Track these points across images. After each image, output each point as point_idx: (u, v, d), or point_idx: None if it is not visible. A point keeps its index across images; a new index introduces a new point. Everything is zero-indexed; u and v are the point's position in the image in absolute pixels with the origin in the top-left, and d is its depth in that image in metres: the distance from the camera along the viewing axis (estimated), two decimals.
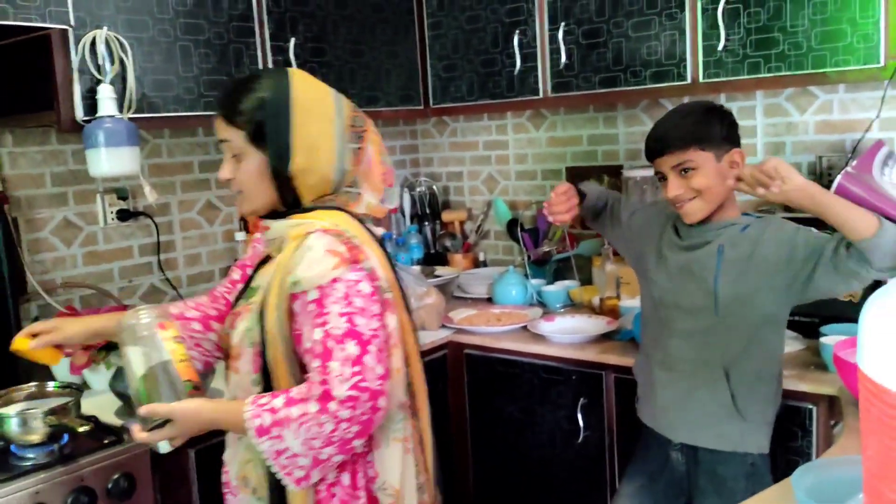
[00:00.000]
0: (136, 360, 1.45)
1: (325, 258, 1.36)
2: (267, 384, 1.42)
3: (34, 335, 1.62)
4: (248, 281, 1.54)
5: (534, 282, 2.90)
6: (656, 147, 1.77)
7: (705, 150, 1.72)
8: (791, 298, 1.75)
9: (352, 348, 1.33)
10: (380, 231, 1.51)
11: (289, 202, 1.46)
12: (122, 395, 1.98)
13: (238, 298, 1.55)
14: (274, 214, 1.48)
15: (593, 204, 2.06)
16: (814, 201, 1.58)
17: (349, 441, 1.34)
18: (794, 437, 1.96)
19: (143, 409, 1.40)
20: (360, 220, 1.51)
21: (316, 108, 1.44)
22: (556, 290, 2.81)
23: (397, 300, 1.48)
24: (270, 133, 1.41)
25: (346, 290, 1.35)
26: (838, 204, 1.58)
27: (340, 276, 1.36)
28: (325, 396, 1.31)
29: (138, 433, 1.42)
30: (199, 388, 1.47)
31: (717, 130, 1.73)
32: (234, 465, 1.53)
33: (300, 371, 1.40)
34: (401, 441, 1.47)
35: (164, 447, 1.50)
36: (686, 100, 2.69)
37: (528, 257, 2.98)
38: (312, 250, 1.37)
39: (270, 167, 1.42)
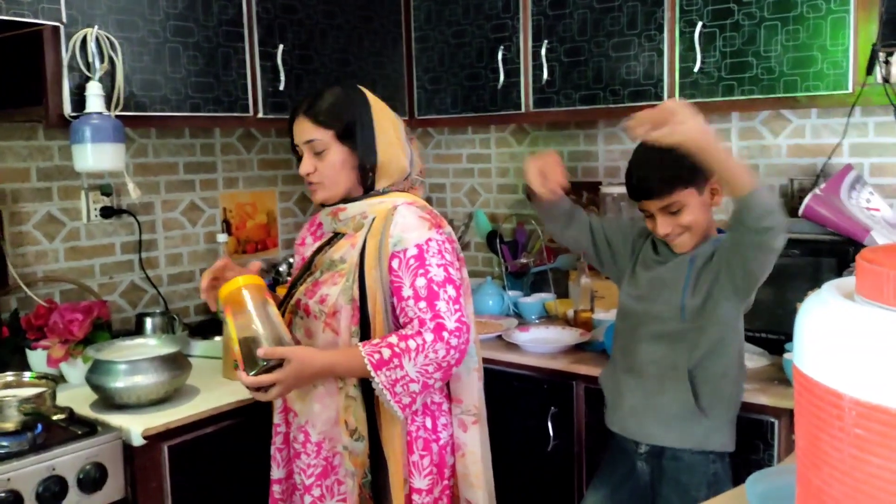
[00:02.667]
0: (246, 322, 1.61)
1: (419, 222, 1.70)
2: (364, 333, 1.70)
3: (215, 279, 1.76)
4: (310, 259, 1.82)
5: (511, 293, 2.94)
6: (640, 192, 1.81)
7: (689, 187, 1.76)
8: (739, 296, 1.78)
9: (451, 291, 1.67)
10: None
11: (366, 188, 1.77)
12: (99, 388, 2.00)
13: (302, 275, 1.82)
14: (345, 200, 1.77)
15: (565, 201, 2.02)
16: (702, 149, 1.56)
17: (451, 367, 1.66)
18: (755, 449, 2.01)
19: (261, 351, 1.57)
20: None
21: (385, 113, 1.80)
22: (533, 301, 2.86)
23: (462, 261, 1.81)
24: (359, 131, 1.73)
25: (438, 246, 1.70)
26: (729, 160, 1.59)
27: (432, 237, 1.70)
28: (439, 328, 1.63)
29: (246, 377, 1.58)
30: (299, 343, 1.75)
31: (697, 165, 1.67)
32: (323, 418, 1.73)
33: (394, 318, 1.71)
34: (476, 370, 1.82)
35: (265, 396, 1.62)
36: None
37: (507, 269, 3.03)
38: (406, 218, 1.70)
39: (357, 159, 1.74)
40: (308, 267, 1.83)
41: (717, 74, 2.28)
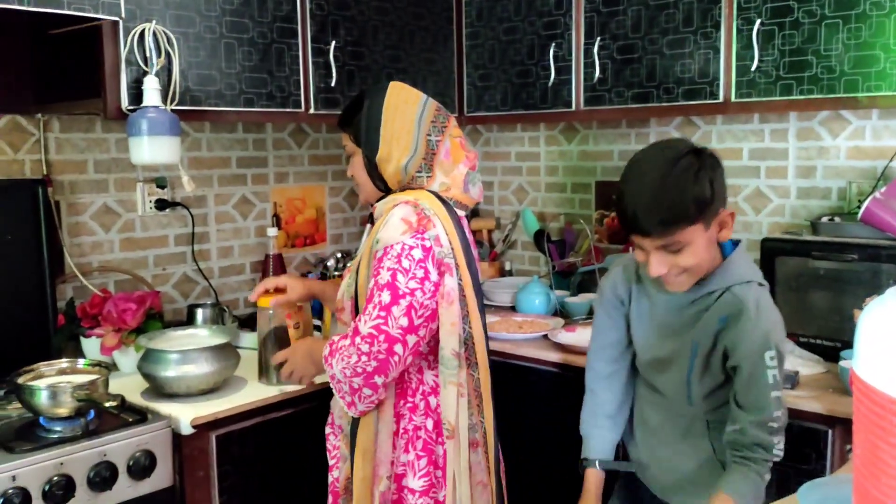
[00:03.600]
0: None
1: (397, 224, 1.66)
2: None
3: (267, 291, 1.96)
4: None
5: (557, 293, 2.92)
6: (637, 226, 1.50)
7: (695, 223, 1.48)
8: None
9: (385, 297, 1.62)
10: (462, 212, 1.81)
11: (381, 188, 1.79)
12: (150, 377, 2.04)
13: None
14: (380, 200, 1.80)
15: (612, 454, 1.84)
16: None
17: (371, 375, 1.61)
18: (807, 459, 1.96)
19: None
20: (444, 200, 1.75)
21: (403, 108, 1.75)
22: (579, 301, 2.83)
23: (461, 266, 1.71)
24: (363, 132, 1.75)
25: (399, 251, 1.64)
26: None
27: (402, 241, 1.65)
28: (354, 332, 1.62)
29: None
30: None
31: (707, 195, 1.48)
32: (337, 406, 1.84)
33: None
34: (455, 385, 1.71)
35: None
36: (719, 120, 2.72)
37: (554, 268, 3.01)
38: (392, 218, 1.68)
39: (364, 160, 1.76)
40: None
41: (775, 73, 2.23)
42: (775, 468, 1.95)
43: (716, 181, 1.50)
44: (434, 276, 1.66)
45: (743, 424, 1.55)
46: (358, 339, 1.60)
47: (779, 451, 1.57)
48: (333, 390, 1.69)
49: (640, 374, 1.78)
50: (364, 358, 1.60)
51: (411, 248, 1.64)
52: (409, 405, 1.74)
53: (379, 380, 1.62)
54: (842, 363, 2.04)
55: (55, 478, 1.71)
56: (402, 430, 1.73)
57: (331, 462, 1.86)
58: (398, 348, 1.61)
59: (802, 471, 1.95)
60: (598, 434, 1.82)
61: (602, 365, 1.82)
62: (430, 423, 1.73)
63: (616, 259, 1.93)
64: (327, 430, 1.87)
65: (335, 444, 1.85)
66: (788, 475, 1.89)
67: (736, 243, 1.65)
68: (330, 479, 1.86)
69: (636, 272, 1.73)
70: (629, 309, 1.75)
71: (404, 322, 1.62)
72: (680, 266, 1.53)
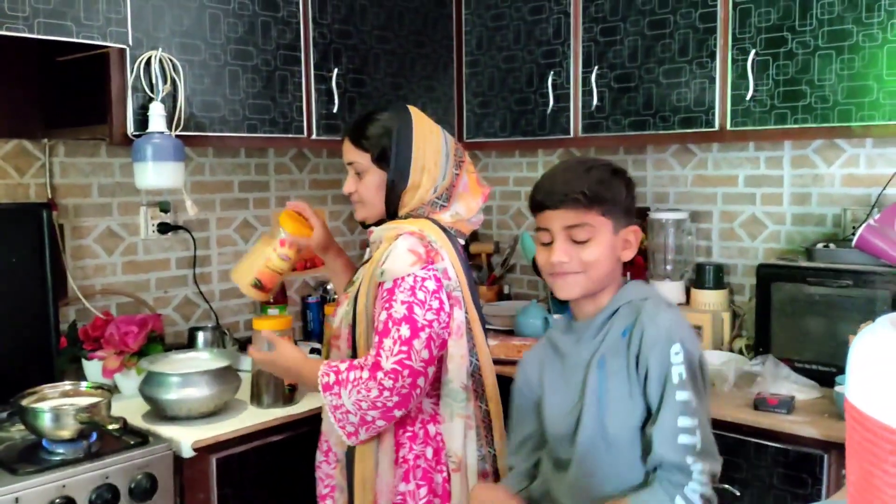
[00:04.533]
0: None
1: (405, 255, 1.66)
2: (354, 358, 1.73)
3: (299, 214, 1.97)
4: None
5: (555, 316, 2.94)
6: (551, 196, 1.44)
7: (606, 216, 1.43)
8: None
9: (405, 331, 1.61)
10: (461, 241, 1.84)
11: (390, 213, 1.79)
12: (151, 399, 2.06)
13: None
14: (379, 222, 1.81)
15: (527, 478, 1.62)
16: None
17: (390, 409, 1.61)
18: (803, 484, 1.98)
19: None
20: (444, 228, 1.78)
21: (430, 138, 1.79)
22: None
23: (467, 299, 1.75)
24: (394, 157, 1.75)
25: (412, 283, 1.65)
26: None
27: (413, 272, 1.65)
28: (375, 366, 1.60)
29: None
30: (262, 290, 1.94)
31: (623, 197, 1.47)
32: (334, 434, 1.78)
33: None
34: (463, 417, 1.72)
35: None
36: (715, 147, 2.76)
37: (551, 292, 3.02)
38: (397, 248, 1.68)
39: (388, 183, 1.76)
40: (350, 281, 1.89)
41: (769, 102, 2.27)
42: (771, 493, 1.97)
43: (629, 189, 1.49)
44: (447, 307, 1.68)
45: (650, 436, 1.36)
46: (380, 375, 1.59)
47: (701, 478, 1.33)
48: (331, 419, 1.66)
49: (550, 456, 1.54)
50: (387, 393, 1.59)
51: (424, 279, 1.65)
52: (408, 434, 1.73)
53: (398, 413, 1.63)
54: (837, 388, 2.05)
55: (57, 500, 1.72)
56: (401, 459, 1.72)
57: (323, 491, 1.84)
58: (421, 381, 1.63)
59: (799, 495, 1.97)
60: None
61: (520, 461, 1.61)
62: (429, 452, 1.72)
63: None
64: (319, 457, 1.86)
65: (328, 472, 1.84)
66: (785, 500, 1.91)
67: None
68: None
69: (548, 339, 1.58)
70: (542, 387, 1.54)
71: (426, 355, 1.63)
72: (581, 259, 1.42)
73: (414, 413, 1.73)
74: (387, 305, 1.64)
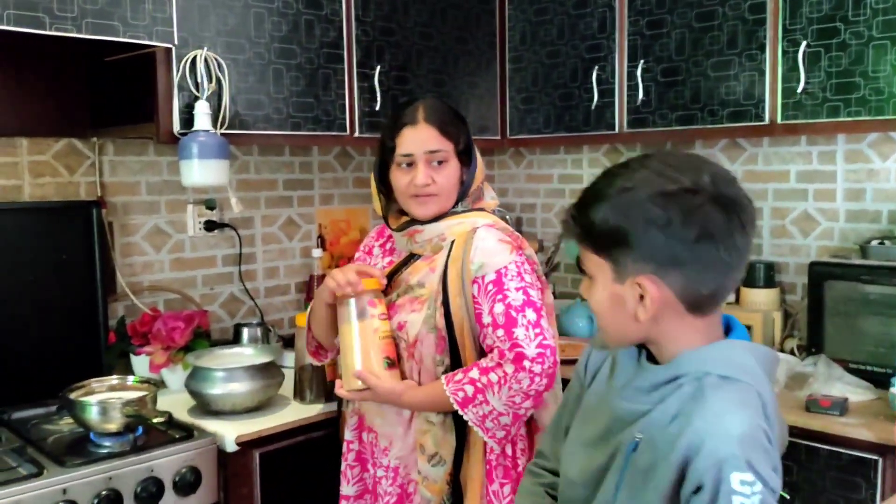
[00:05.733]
0: (347, 330, 1.70)
1: (499, 246, 1.67)
2: (453, 361, 1.67)
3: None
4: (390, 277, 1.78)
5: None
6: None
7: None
8: None
9: (531, 315, 1.61)
10: None
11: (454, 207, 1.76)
12: (196, 394, 2.08)
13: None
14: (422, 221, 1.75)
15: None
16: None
17: (540, 393, 1.60)
18: (857, 488, 1.91)
19: (357, 372, 1.66)
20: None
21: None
22: None
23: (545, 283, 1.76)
24: (474, 150, 1.78)
25: (517, 269, 1.65)
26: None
27: (513, 260, 1.65)
28: (519, 357, 1.57)
29: (339, 389, 1.72)
30: (395, 365, 1.71)
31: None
32: (402, 443, 1.72)
33: (479, 345, 1.66)
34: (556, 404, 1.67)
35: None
36: (765, 142, 2.69)
37: None
38: (486, 241, 1.67)
39: (466, 178, 1.76)
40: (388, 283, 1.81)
41: (821, 95, 2.21)
42: (824, 497, 1.91)
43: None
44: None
45: None
46: (527, 363, 1.57)
47: None
48: (478, 432, 1.60)
49: None
50: (538, 379, 1.57)
51: (523, 263, 1.67)
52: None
53: (547, 395, 1.62)
54: (892, 390, 1.99)
55: (104, 492, 1.75)
56: (483, 459, 1.69)
57: (414, 503, 1.74)
58: (558, 356, 1.65)
59: (852, 500, 1.91)
60: None
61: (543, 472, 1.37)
62: (508, 449, 1.69)
63: None
64: (388, 471, 1.74)
65: (408, 490, 1.73)
66: None
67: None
68: None
69: (613, 358, 1.24)
70: (584, 393, 1.28)
71: (552, 331, 1.66)
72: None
73: None
74: (500, 297, 1.62)
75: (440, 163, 1.71)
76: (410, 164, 1.70)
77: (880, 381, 2.12)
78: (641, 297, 1.07)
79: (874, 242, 2.33)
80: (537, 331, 1.60)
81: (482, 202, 1.80)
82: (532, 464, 1.41)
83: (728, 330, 1.16)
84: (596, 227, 1.07)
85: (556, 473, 1.32)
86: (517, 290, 1.63)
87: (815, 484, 1.96)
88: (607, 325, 1.15)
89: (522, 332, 1.59)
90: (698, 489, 1.01)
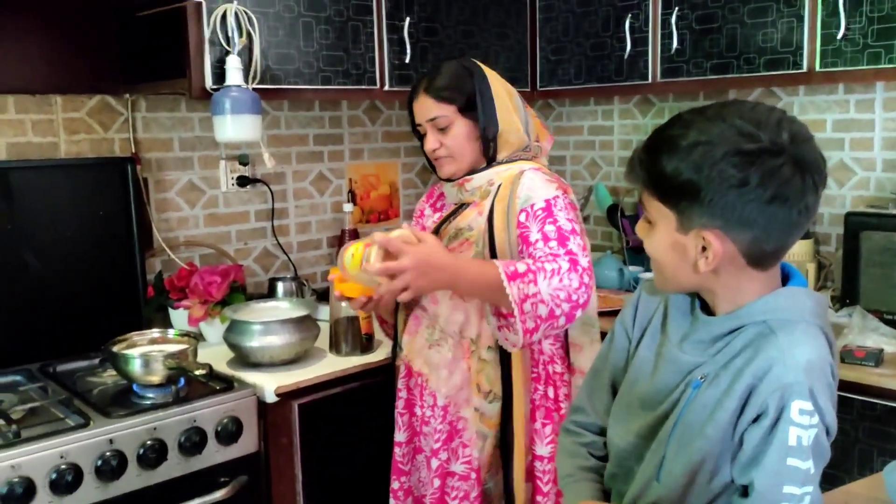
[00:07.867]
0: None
1: (546, 184, 1.72)
2: None
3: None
4: (434, 230, 1.85)
5: (631, 268, 2.90)
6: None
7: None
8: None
9: (580, 241, 1.66)
10: None
11: (489, 158, 1.80)
12: (235, 347, 2.12)
13: None
14: (470, 172, 1.82)
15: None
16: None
17: (575, 309, 1.60)
18: (891, 438, 1.92)
19: (382, 240, 1.53)
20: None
21: (501, 83, 1.83)
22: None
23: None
24: (479, 102, 1.77)
25: (566, 204, 1.70)
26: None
27: (558, 195, 1.70)
28: (574, 261, 1.61)
29: (371, 266, 1.53)
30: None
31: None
32: (452, 382, 1.77)
33: None
34: (598, 342, 1.79)
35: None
36: (801, 90, 2.64)
37: (627, 243, 2.98)
38: (533, 180, 1.72)
39: (480, 130, 1.78)
40: (437, 229, 1.88)
41: (862, 41, 2.16)
42: (857, 448, 1.92)
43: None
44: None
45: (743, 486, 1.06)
46: (580, 268, 1.60)
47: None
48: (514, 309, 1.54)
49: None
50: (583, 289, 1.60)
51: (571, 203, 1.72)
52: (533, 375, 1.78)
53: (578, 314, 1.62)
54: None
55: (149, 441, 1.80)
56: (529, 399, 1.78)
57: (434, 445, 1.81)
58: (595, 302, 1.72)
59: (886, 450, 1.91)
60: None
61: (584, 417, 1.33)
62: (550, 392, 1.78)
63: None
64: (436, 410, 1.79)
65: (458, 426, 1.78)
66: (871, 455, 1.86)
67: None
68: (461, 457, 1.79)
69: (666, 305, 1.23)
70: (633, 350, 1.26)
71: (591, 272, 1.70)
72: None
73: (536, 355, 1.77)
74: (551, 220, 1.66)
75: (444, 128, 1.80)
76: (424, 133, 1.84)
77: None
78: (704, 248, 1.06)
79: None
80: (586, 254, 1.64)
81: (537, 160, 1.84)
82: (569, 421, 1.35)
83: (785, 277, 1.15)
84: (666, 177, 1.05)
85: (594, 429, 1.32)
86: (567, 219, 1.67)
87: (849, 434, 1.97)
88: (664, 271, 1.14)
89: (577, 248, 1.63)
90: (758, 417, 1.03)
